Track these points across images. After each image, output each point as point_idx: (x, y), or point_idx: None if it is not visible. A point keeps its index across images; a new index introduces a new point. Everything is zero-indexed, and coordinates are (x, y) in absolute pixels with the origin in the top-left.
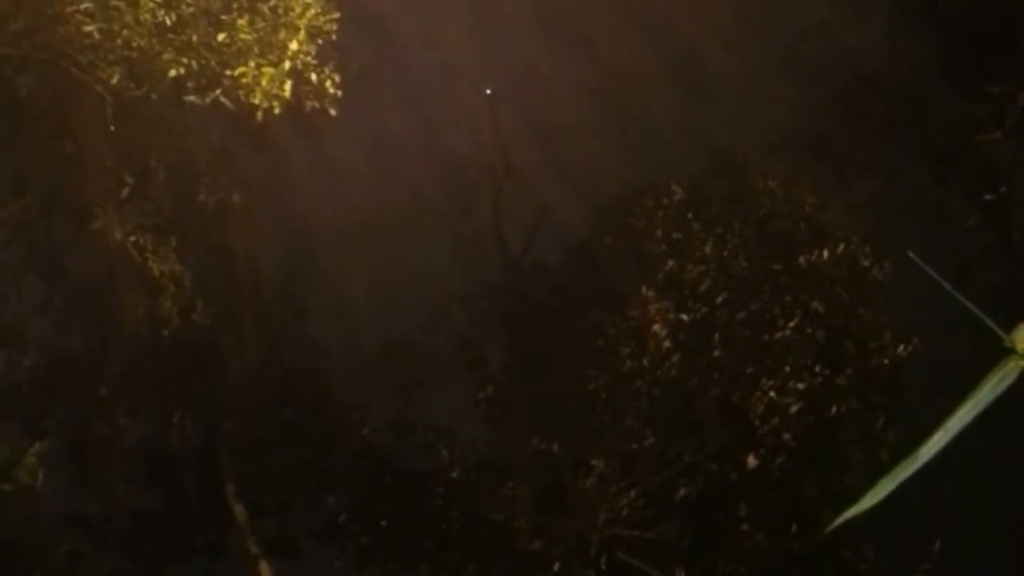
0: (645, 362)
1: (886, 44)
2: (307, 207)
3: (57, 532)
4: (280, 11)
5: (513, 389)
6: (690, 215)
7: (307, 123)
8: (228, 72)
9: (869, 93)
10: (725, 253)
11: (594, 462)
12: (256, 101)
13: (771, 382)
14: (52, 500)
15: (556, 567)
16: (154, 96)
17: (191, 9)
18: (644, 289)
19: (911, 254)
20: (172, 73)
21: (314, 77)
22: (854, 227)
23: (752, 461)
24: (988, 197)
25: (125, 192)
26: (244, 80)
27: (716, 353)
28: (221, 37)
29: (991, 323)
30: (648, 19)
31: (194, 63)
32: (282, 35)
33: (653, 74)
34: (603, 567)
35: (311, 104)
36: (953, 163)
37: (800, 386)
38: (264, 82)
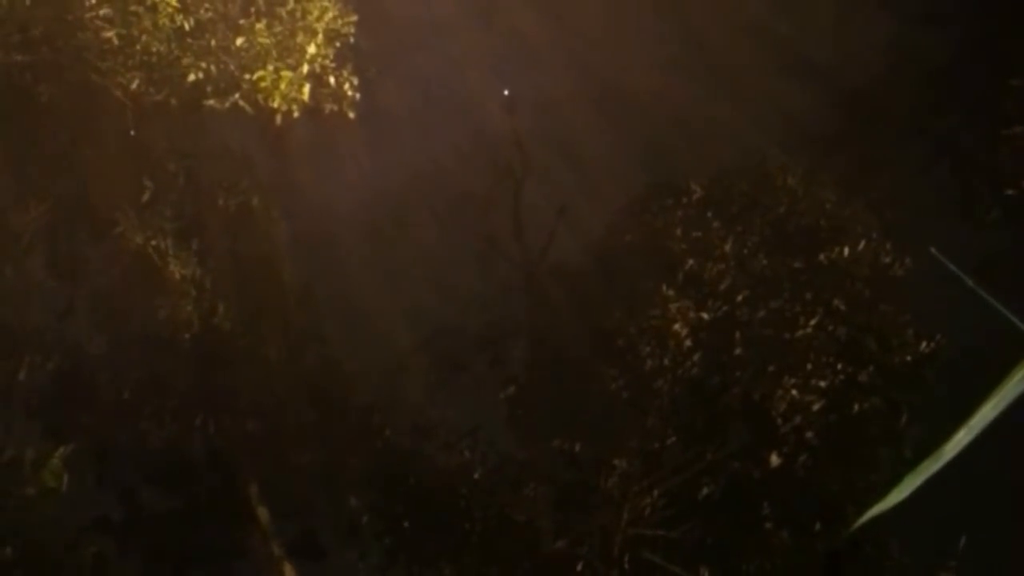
0: (666, 361)
1: (906, 39)
2: (326, 209)
3: (81, 535)
4: (298, 15)
5: (534, 389)
6: (710, 213)
7: (325, 125)
8: (247, 76)
9: (889, 88)
10: (745, 251)
11: (616, 461)
12: (275, 104)
13: (793, 380)
14: (76, 503)
15: (579, 567)
16: (173, 101)
17: (209, 14)
18: (664, 288)
19: (933, 250)
20: (191, 78)
21: (332, 80)
22: (875, 223)
23: (775, 459)
24: (1010, 192)
25: (145, 196)
26: (263, 84)
27: (737, 351)
28: (240, 41)
29: (1015, 320)
30: (666, 18)
31: (213, 67)
32: (300, 39)
33: (671, 73)
34: (626, 566)
35: (329, 107)
36: (975, 157)
37: (822, 384)
38: (283, 85)
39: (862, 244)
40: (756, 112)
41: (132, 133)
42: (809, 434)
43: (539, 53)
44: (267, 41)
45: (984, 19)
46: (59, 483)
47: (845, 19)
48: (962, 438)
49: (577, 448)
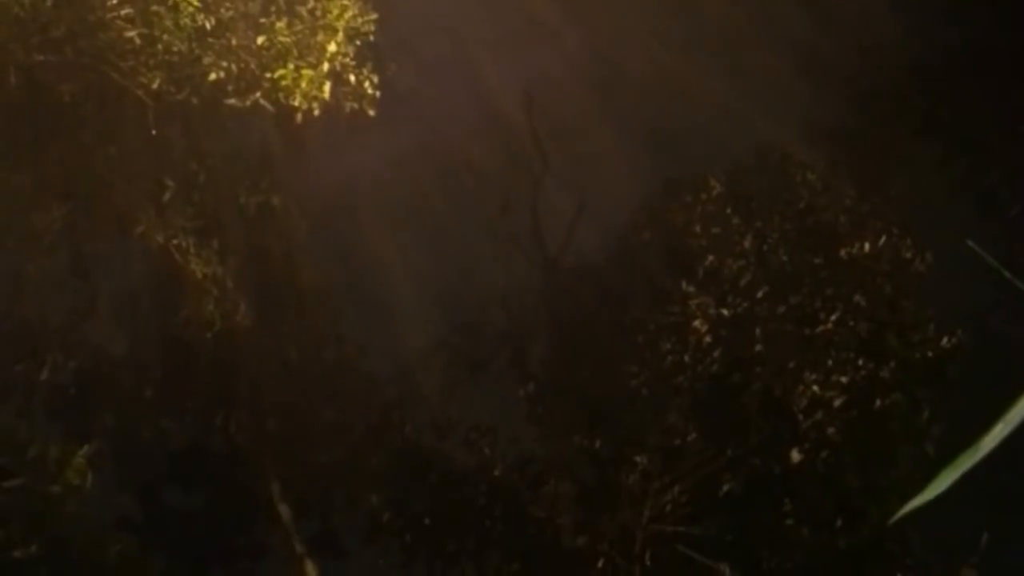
0: (686, 357)
1: (926, 33)
2: (346, 208)
3: (105, 533)
4: (318, 13)
5: (555, 386)
6: (729, 209)
7: (346, 124)
8: (267, 75)
9: (908, 83)
10: (765, 247)
11: (637, 458)
12: (295, 103)
13: (814, 376)
14: (99, 502)
15: (600, 563)
16: (195, 100)
17: (230, 13)
18: (684, 284)
19: (970, 243)
20: (212, 77)
21: (352, 78)
22: (895, 219)
23: (796, 455)
24: None
25: (167, 196)
26: (283, 82)
27: (758, 347)
28: (260, 40)
29: None
30: (684, 14)
31: (234, 66)
32: (320, 37)
33: (690, 68)
34: (648, 563)
35: (350, 105)
36: (994, 153)
37: (843, 380)
38: (303, 84)
39: (882, 240)
40: (774, 108)
41: (153, 132)
42: (830, 430)
43: (558, 48)
44: (288, 40)
45: (1003, 14)
46: (83, 481)
47: (863, 14)
48: (1000, 431)
49: (597, 445)
